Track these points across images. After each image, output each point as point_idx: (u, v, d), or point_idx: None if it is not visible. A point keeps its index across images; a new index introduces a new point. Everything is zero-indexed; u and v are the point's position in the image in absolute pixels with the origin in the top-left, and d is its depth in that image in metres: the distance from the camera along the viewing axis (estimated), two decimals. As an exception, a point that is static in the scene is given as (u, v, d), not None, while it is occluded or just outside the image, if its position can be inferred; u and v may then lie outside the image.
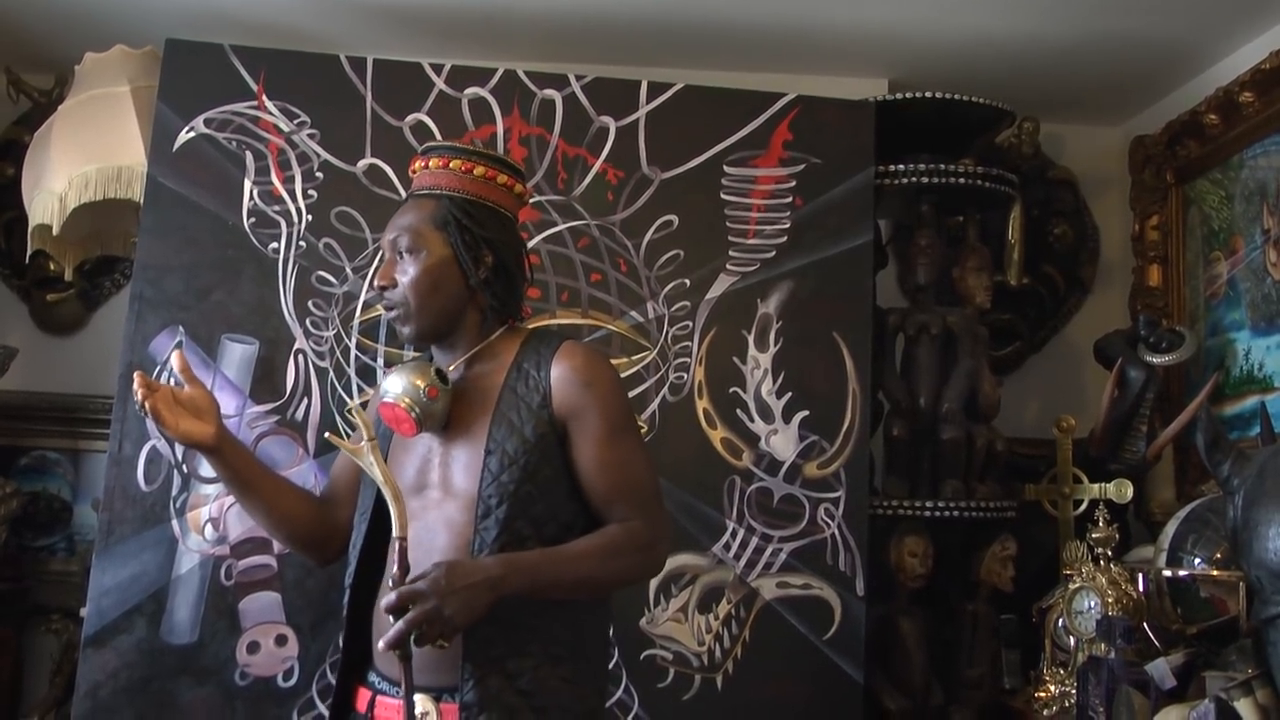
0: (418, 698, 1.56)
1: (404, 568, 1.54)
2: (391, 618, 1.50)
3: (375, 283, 1.75)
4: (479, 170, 1.75)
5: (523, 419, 1.66)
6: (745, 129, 2.69)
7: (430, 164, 1.77)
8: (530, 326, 1.83)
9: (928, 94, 2.82)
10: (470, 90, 2.64)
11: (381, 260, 1.78)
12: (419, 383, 1.66)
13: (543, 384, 1.68)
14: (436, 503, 1.70)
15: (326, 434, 1.81)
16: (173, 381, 2.49)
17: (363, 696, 1.71)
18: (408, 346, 2.52)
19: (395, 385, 1.67)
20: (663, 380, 2.60)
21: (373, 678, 1.71)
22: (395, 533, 1.56)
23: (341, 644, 1.77)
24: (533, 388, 1.68)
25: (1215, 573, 2.35)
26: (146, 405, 1.70)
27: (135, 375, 1.73)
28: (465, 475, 1.68)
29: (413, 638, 1.50)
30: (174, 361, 1.75)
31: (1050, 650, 2.59)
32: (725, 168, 2.67)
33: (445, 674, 1.61)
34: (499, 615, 1.56)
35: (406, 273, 1.71)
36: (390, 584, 1.54)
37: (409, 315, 1.72)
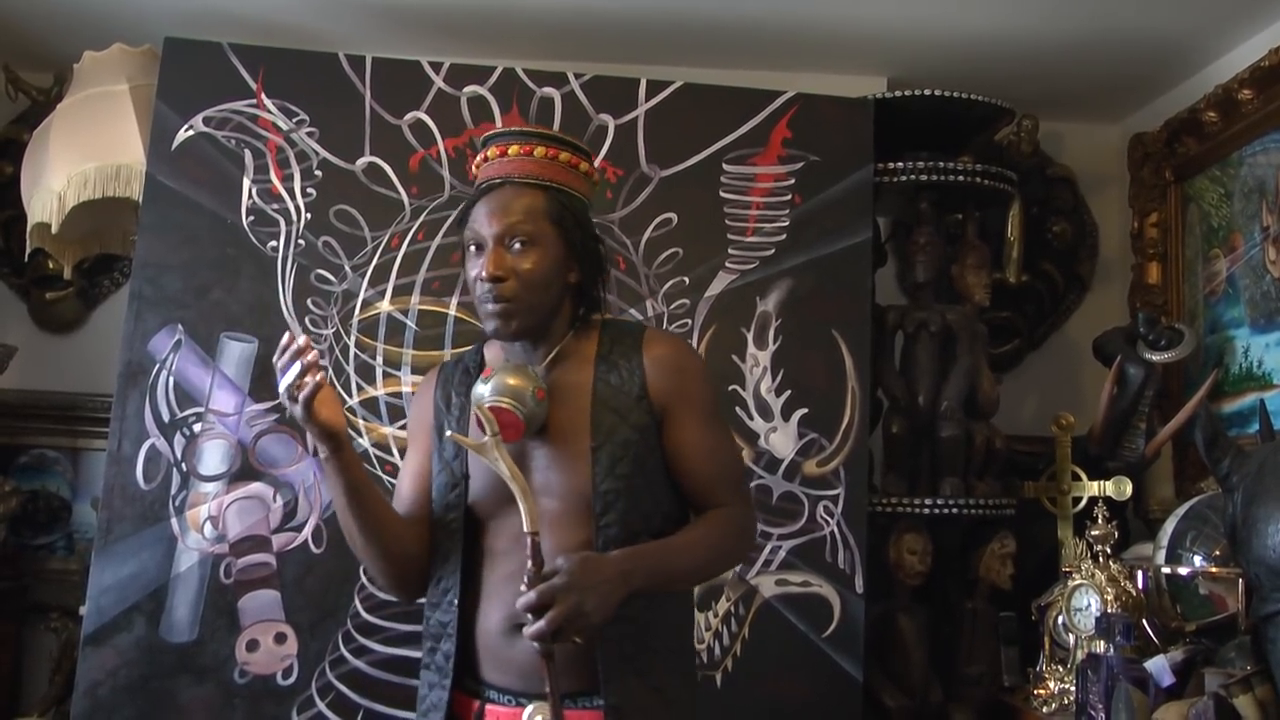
0: (533, 705, 1.51)
1: (538, 563, 1.47)
2: (530, 616, 1.45)
3: (487, 272, 1.58)
4: (584, 166, 1.67)
5: (624, 410, 1.61)
6: (744, 127, 2.69)
7: (535, 152, 1.63)
8: (597, 319, 1.72)
9: (927, 92, 2.81)
10: (469, 88, 2.64)
11: (468, 251, 1.64)
12: (525, 385, 1.58)
13: (637, 373, 1.63)
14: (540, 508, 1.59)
15: (449, 433, 1.65)
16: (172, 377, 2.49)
17: (469, 705, 1.62)
18: (406, 345, 2.54)
19: (499, 389, 1.57)
20: (662, 378, 2.59)
21: (480, 686, 1.62)
22: (526, 528, 1.49)
23: (453, 654, 1.63)
24: (627, 378, 1.63)
25: (1214, 570, 2.35)
26: (308, 378, 1.49)
27: (298, 336, 1.52)
28: (571, 475, 1.60)
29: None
30: (300, 341, 1.51)
31: (1049, 647, 2.59)
32: (724, 165, 2.67)
33: (572, 678, 1.53)
34: (623, 611, 1.51)
35: (522, 265, 1.59)
36: (526, 581, 1.47)
37: (518, 311, 1.60)
